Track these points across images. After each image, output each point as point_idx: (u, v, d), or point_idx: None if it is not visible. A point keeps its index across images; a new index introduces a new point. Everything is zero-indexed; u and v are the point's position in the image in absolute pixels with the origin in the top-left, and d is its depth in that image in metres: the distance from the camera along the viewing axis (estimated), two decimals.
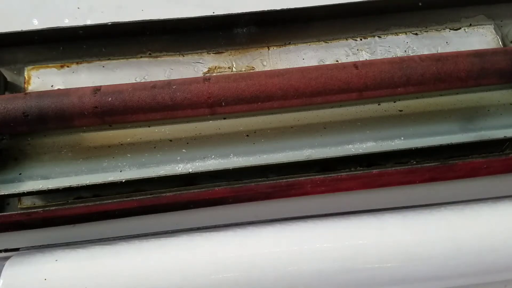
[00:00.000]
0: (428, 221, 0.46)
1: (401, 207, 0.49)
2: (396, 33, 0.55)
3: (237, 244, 0.44)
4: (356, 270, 0.44)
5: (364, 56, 0.54)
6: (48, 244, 0.46)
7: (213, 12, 0.53)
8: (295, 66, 0.52)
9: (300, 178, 0.47)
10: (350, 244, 0.44)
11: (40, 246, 0.46)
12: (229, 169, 0.48)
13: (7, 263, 0.42)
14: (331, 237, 0.45)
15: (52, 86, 0.51)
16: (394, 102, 0.52)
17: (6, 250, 0.44)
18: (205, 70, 0.53)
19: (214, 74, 0.52)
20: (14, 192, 0.46)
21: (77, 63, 0.52)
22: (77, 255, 0.44)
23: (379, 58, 0.53)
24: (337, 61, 0.53)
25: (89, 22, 0.53)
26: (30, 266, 0.42)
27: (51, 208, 0.46)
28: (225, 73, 0.52)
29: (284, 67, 0.51)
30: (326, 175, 0.47)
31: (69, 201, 0.49)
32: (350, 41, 0.54)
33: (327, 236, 0.45)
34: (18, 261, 0.43)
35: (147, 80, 0.51)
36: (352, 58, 0.54)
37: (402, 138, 0.50)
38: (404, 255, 0.44)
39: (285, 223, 0.48)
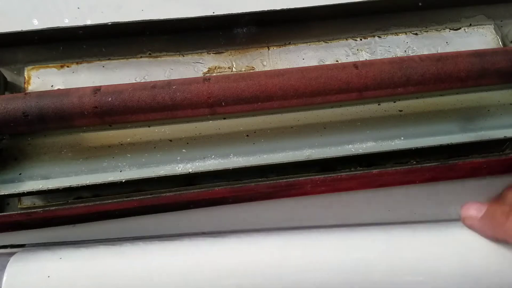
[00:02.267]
0: (437, 236, 0.45)
1: (410, 222, 0.49)
2: (396, 33, 0.55)
3: (244, 252, 0.44)
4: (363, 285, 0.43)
5: (364, 56, 0.54)
6: (53, 242, 0.46)
7: (213, 12, 0.53)
8: (295, 66, 0.52)
9: (300, 178, 0.47)
10: (358, 257, 0.44)
11: (45, 243, 0.46)
12: (229, 169, 0.47)
13: (11, 259, 0.42)
14: (342, 249, 0.44)
15: (52, 86, 0.51)
16: (394, 102, 0.52)
17: (12, 246, 0.44)
18: (205, 70, 0.53)
19: (214, 74, 0.52)
20: (14, 192, 0.46)
21: (77, 63, 0.52)
22: (82, 254, 0.43)
23: (379, 58, 0.53)
24: (337, 61, 0.53)
25: (89, 22, 0.53)
26: (34, 263, 0.42)
27: (51, 208, 0.46)
28: (225, 73, 0.52)
29: (284, 67, 0.51)
30: (326, 175, 0.47)
31: (69, 201, 0.49)
32: (350, 41, 0.54)
33: (338, 247, 0.44)
34: (22, 257, 0.43)
35: (147, 80, 0.51)
36: (352, 58, 0.54)
37: (402, 138, 0.50)
38: (412, 270, 0.43)
39: (291, 231, 0.47)
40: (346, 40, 0.54)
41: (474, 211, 0.43)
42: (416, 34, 0.55)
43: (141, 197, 0.46)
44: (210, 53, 0.53)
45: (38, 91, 0.46)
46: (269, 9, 0.51)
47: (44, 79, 0.51)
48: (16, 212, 0.45)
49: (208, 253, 0.44)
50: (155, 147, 0.49)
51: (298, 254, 0.44)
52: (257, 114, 0.51)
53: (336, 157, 0.48)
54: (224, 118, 0.50)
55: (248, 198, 0.49)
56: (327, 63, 0.53)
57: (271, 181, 0.48)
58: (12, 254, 0.44)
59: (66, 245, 0.45)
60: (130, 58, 0.52)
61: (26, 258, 0.43)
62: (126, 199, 0.46)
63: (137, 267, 0.43)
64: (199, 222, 0.50)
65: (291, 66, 0.52)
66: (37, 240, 0.48)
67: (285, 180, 0.47)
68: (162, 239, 0.47)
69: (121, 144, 0.49)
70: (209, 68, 0.53)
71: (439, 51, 0.54)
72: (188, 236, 0.47)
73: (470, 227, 0.44)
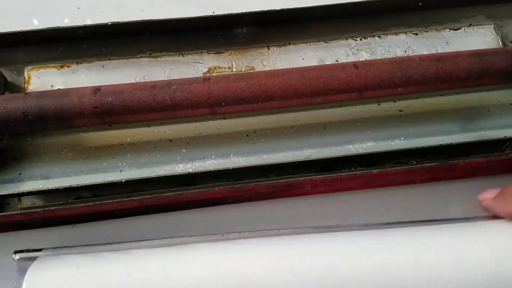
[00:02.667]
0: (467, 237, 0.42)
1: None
2: (396, 33, 0.55)
3: (268, 257, 0.42)
4: None
5: (364, 56, 0.54)
6: (71, 246, 0.45)
7: (213, 12, 0.53)
8: (295, 66, 0.52)
9: (300, 178, 0.47)
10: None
11: (62, 247, 0.45)
12: (229, 169, 0.48)
13: (31, 267, 0.42)
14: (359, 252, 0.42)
15: (52, 86, 0.51)
16: (394, 102, 0.52)
17: (28, 251, 0.44)
18: (205, 70, 0.53)
19: (214, 74, 0.52)
20: (14, 192, 0.46)
21: (77, 63, 0.52)
22: (100, 262, 0.42)
23: (379, 58, 0.53)
24: (337, 61, 0.53)
25: (89, 22, 0.54)
26: (52, 272, 0.41)
27: (51, 208, 0.46)
28: (225, 73, 0.52)
29: (284, 67, 0.51)
30: (326, 175, 0.47)
31: (69, 201, 0.49)
32: (350, 41, 0.54)
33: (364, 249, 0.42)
34: (41, 266, 0.42)
35: (147, 80, 0.51)
36: (352, 58, 0.54)
37: (402, 138, 0.50)
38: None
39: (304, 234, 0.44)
40: (346, 40, 0.54)
41: (489, 193, 0.44)
42: (416, 34, 0.55)
43: (141, 197, 0.46)
44: (210, 53, 0.53)
45: (38, 91, 0.46)
46: (269, 9, 0.51)
47: (44, 79, 0.51)
48: (16, 212, 0.45)
49: (228, 259, 0.42)
50: (155, 147, 0.49)
51: (319, 259, 0.41)
52: (257, 114, 0.51)
53: (336, 157, 0.48)
54: (224, 118, 0.50)
55: (248, 198, 0.49)
56: (327, 63, 0.53)
57: (271, 181, 0.48)
58: (29, 258, 0.43)
59: (84, 252, 0.44)
60: (130, 58, 0.52)
61: (44, 267, 0.42)
62: (126, 199, 0.46)
63: (155, 275, 0.41)
64: (199, 222, 0.50)
65: (291, 66, 0.52)
66: (36, 240, 0.48)
67: (285, 180, 0.47)
68: (178, 242, 0.44)
69: (121, 144, 0.49)
70: (209, 68, 0.53)
71: (439, 51, 0.54)
72: (205, 239, 0.45)
73: (486, 208, 0.43)
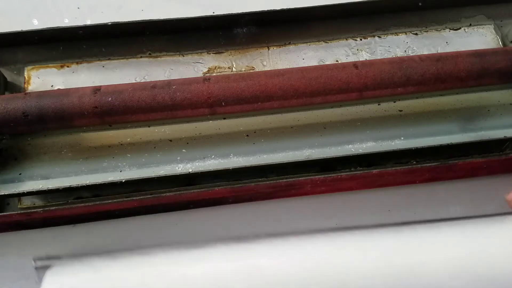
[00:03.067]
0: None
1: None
2: (396, 33, 0.55)
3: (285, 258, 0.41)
4: None
5: (364, 56, 0.54)
6: (87, 253, 0.45)
7: (213, 12, 0.53)
8: (295, 66, 0.52)
9: (300, 178, 0.47)
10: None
11: (80, 254, 0.45)
12: (229, 169, 0.48)
13: (46, 275, 0.41)
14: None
15: (52, 86, 0.51)
16: (394, 102, 0.52)
17: (48, 258, 0.43)
18: (205, 70, 0.53)
19: (214, 74, 0.52)
20: (14, 192, 0.46)
21: (77, 63, 0.52)
22: (115, 266, 0.41)
23: (379, 58, 0.53)
24: (337, 61, 0.53)
25: (89, 22, 0.53)
26: (69, 278, 0.41)
27: (51, 208, 0.46)
28: (225, 73, 0.52)
29: (284, 67, 0.51)
30: (326, 175, 0.47)
31: (69, 201, 0.49)
32: (350, 41, 0.54)
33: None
34: (57, 272, 0.42)
35: (147, 80, 0.51)
36: (352, 58, 0.54)
37: (402, 138, 0.50)
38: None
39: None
40: (346, 40, 0.54)
41: None
42: (416, 34, 0.55)
43: (141, 197, 0.46)
44: (210, 53, 0.53)
45: (38, 91, 0.46)
46: (269, 9, 0.51)
47: (44, 79, 0.51)
48: (16, 212, 0.45)
49: (248, 261, 0.41)
50: (155, 147, 0.49)
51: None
52: (257, 114, 0.51)
53: (336, 157, 0.48)
54: (224, 118, 0.50)
55: (248, 198, 0.49)
56: (327, 63, 0.53)
57: (271, 181, 0.48)
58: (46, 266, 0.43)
59: (100, 257, 0.44)
60: (130, 58, 0.52)
61: (61, 273, 0.42)
62: (126, 199, 0.46)
63: (171, 277, 0.41)
64: (199, 222, 0.50)
65: (291, 66, 0.52)
66: (37, 240, 0.48)
67: (285, 180, 0.47)
68: (195, 246, 0.43)
69: (121, 144, 0.49)
70: (209, 68, 0.53)
71: (439, 51, 0.54)
72: (221, 242, 0.43)
73: None
